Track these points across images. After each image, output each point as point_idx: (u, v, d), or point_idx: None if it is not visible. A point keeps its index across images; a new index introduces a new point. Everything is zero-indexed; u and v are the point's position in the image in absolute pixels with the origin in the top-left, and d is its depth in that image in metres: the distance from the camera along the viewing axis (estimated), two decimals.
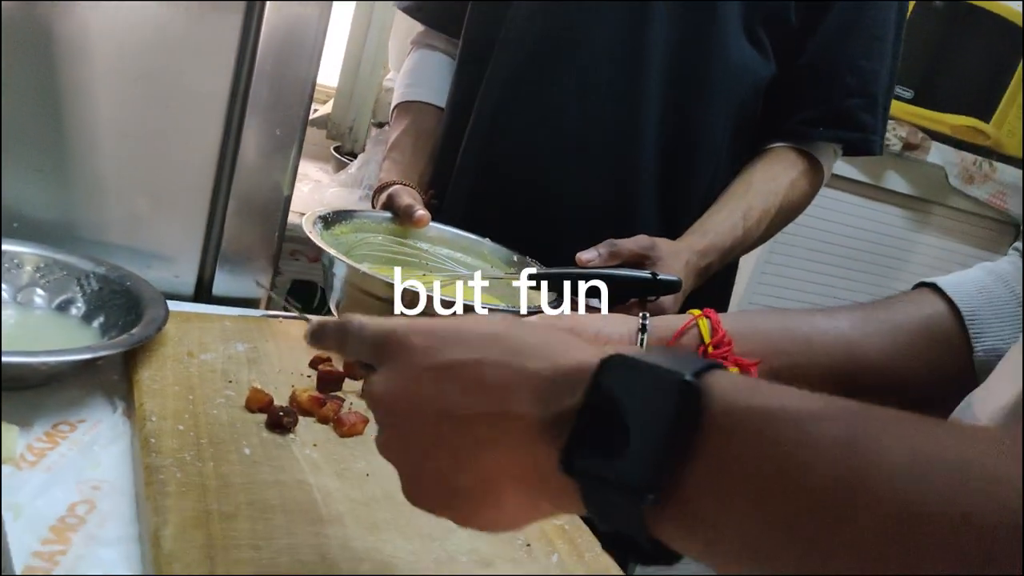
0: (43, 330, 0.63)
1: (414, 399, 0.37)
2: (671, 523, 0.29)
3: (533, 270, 0.87)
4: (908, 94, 1.82)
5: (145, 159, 0.73)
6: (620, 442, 0.29)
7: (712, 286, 0.97)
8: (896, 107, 1.82)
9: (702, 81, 0.93)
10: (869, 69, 0.97)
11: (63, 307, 0.66)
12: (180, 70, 0.72)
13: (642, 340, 0.56)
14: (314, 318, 0.47)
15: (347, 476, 0.55)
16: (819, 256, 1.95)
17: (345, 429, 0.59)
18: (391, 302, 0.76)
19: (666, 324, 0.58)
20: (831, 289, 2.02)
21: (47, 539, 0.45)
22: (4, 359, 0.52)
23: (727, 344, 0.56)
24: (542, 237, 0.95)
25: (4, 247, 0.65)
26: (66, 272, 0.67)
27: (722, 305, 1.10)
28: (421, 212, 0.90)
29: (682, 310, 0.86)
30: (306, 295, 1.59)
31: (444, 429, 0.36)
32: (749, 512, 0.27)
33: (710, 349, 0.56)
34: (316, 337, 0.46)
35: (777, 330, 0.58)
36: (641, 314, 0.58)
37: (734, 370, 0.55)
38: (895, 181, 1.91)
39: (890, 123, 1.82)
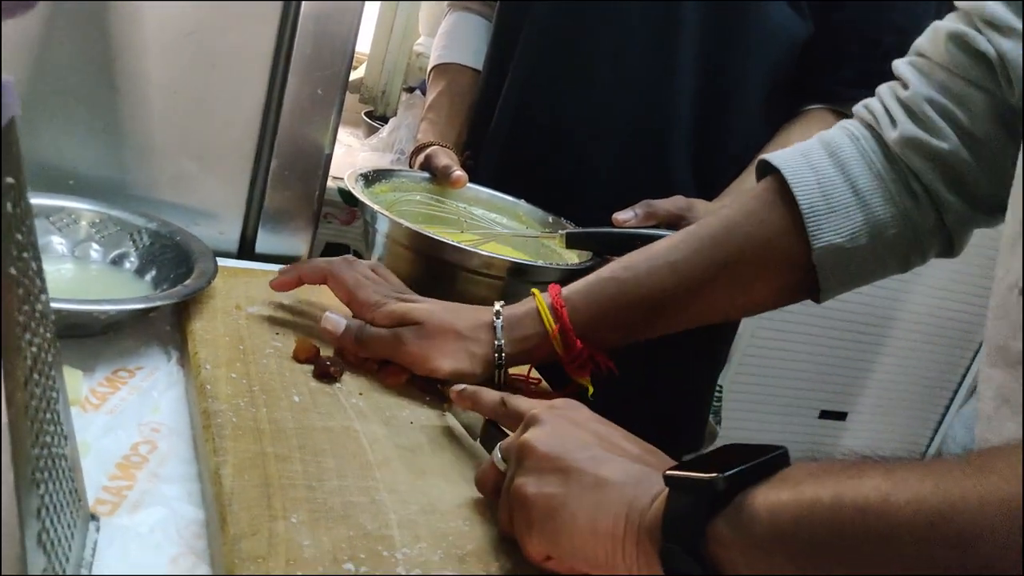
0: (99, 283, 0.66)
1: (559, 453, 0.46)
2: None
3: (569, 230, 0.88)
4: None
5: (192, 118, 0.75)
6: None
7: None
8: None
9: (738, 42, 0.92)
10: (909, 28, 0.95)
11: (117, 261, 0.68)
12: (226, 27, 0.73)
13: (500, 357, 0.63)
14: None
15: (393, 424, 0.57)
16: None
17: (390, 380, 0.61)
18: (430, 257, 0.78)
19: (523, 336, 0.63)
20: None
21: (114, 475, 0.47)
22: (65, 307, 0.55)
23: (582, 352, 0.63)
24: (576, 198, 0.96)
25: (62, 203, 0.67)
26: (120, 227, 0.69)
27: None
28: (458, 173, 0.91)
29: None
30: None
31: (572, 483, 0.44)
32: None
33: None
34: (467, 399, 0.56)
35: (621, 303, 0.63)
36: (495, 310, 0.64)
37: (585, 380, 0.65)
38: None
39: None
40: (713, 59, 0.93)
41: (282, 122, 0.78)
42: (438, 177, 0.93)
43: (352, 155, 1.66)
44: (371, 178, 0.89)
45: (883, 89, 0.61)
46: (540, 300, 0.64)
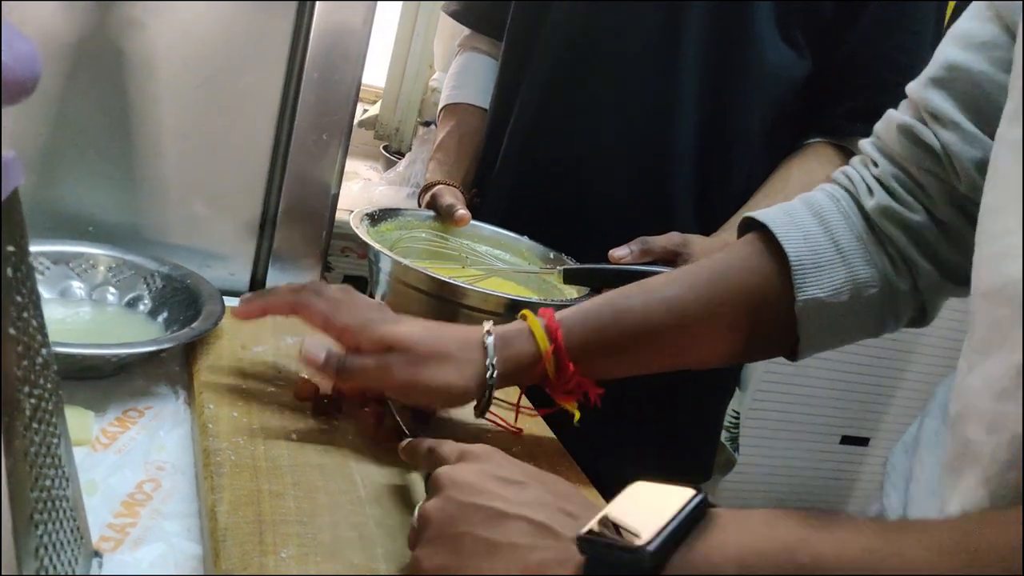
0: (115, 325, 0.69)
1: (452, 519, 0.45)
2: None
3: (568, 265, 0.91)
4: None
5: (203, 164, 0.79)
6: None
7: None
8: None
9: (737, 81, 0.95)
10: (907, 64, 0.97)
11: (132, 303, 0.72)
12: (236, 77, 0.77)
13: (491, 375, 0.60)
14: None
15: (385, 460, 0.59)
16: None
17: (359, 427, 0.62)
18: (430, 295, 0.80)
19: (515, 355, 0.62)
20: None
21: (119, 512, 0.50)
22: (81, 351, 0.58)
23: (573, 376, 0.62)
24: (579, 234, 0.98)
25: (82, 249, 0.71)
26: (134, 271, 0.72)
27: None
28: (462, 212, 0.94)
29: None
30: (357, 290, 1.65)
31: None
32: None
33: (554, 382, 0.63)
34: (407, 453, 0.55)
35: (613, 331, 0.63)
36: (486, 329, 0.62)
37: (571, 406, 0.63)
38: None
39: None
40: (712, 98, 0.95)
41: (289, 166, 0.82)
42: (442, 216, 0.96)
43: (370, 189, 1.70)
44: (376, 217, 0.93)
45: (856, 161, 0.64)
46: (534, 320, 0.63)
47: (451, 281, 0.79)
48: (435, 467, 0.49)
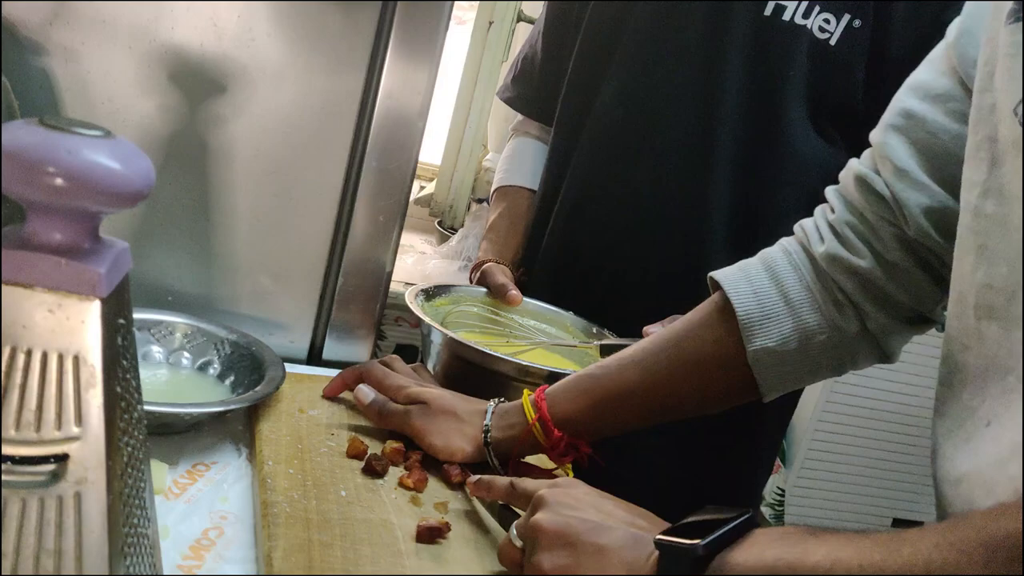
0: (188, 386, 0.77)
1: (564, 529, 0.55)
2: None
3: (607, 340, 0.96)
4: None
5: (271, 243, 0.87)
6: None
7: None
8: None
9: (770, 173, 1.00)
10: None
11: (203, 367, 0.79)
12: (303, 167, 0.86)
13: (486, 438, 0.73)
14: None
15: (421, 518, 0.64)
16: None
17: (411, 483, 0.68)
18: (473, 364, 0.86)
19: (508, 424, 0.73)
20: (915, 356, 1.98)
21: (187, 555, 0.56)
22: (158, 409, 0.65)
23: (561, 440, 0.72)
24: (619, 310, 1.04)
25: (162, 317, 0.79)
26: (207, 338, 0.80)
27: None
28: (513, 292, 1.01)
29: None
30: (409, 357, 1.72)
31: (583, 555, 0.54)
32: None
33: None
34: (482, 488, 0.65)
35: (593, 396, 0.72)
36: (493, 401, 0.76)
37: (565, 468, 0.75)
38: None
39: None
40: (746, 187, 1.00)
41: (348, 245, 0.90)
42: (494, 294, 1.03)
43: (424, 262, 1.79)
44: (431, 293, 1.00)
45: (817, 210, 0.69)
46: (525, 395, 0.74)
47: (491, 352, 0.85)
48: (517, 498, 0.62)
